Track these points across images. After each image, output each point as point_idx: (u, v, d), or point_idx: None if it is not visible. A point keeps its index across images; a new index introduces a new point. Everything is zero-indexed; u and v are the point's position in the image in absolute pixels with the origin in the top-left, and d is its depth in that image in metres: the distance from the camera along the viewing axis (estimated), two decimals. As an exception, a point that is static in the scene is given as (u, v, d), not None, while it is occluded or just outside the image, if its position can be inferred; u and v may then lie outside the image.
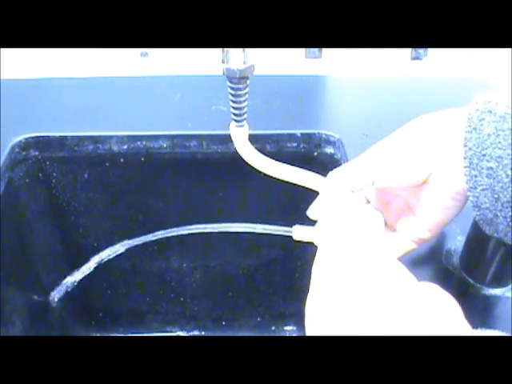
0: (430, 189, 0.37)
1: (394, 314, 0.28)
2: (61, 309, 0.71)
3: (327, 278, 0.32)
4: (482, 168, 0.33)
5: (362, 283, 0.30)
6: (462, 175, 0.35)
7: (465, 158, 0.34)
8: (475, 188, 0.33)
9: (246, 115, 0.44)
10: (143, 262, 0.71)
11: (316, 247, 0.38)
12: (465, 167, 0.34)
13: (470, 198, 0.34)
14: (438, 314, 0.27)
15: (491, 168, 0.32)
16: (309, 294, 0.32)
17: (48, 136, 0.59)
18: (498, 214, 0.33)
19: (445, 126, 0.36)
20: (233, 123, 0.45)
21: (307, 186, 0.44)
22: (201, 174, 0.63)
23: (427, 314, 0.27)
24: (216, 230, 0.42)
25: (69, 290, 0.50)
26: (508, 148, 0.32)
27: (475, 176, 0.33)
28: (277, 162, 0.46)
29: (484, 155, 0.33)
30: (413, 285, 0.30)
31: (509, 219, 0.33)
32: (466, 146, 0.34)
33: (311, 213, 0.40)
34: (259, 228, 0.41)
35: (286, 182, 0.46)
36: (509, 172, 0.32)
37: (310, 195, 0.42)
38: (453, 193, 0.36)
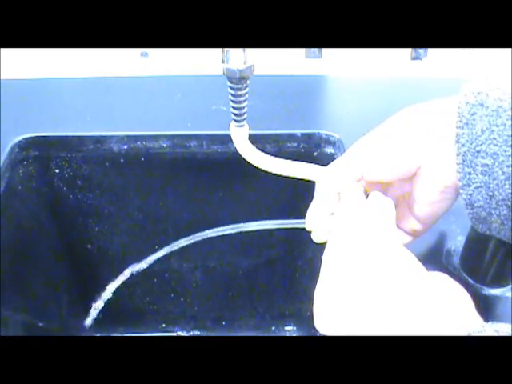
0: (419, 181, 0.36)
1: (407, 305, 0.27)
2: (60, 309, 0.71)
3: (338, 265, 0.31)
4: (477, 165, 0.31)
5: (373, 273, 0.29)
6: (451, 169, 0.33)
7: (458, 155, 0.32)
8: (469, 186, 0.32)
9: (246, 115, 0.44)
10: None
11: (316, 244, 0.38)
12: (458, 164, 0.32)
13: (463, 196, 0.33)
14: (452, 306, 0.27)
15: (486, 165, 0.31)
16: (318, 282, 0.32)
17: (48, 136, 0.59)
18: (492, 212, 0.32)
19: (433, 118, 0.34)
20: (233, 123, 0.45)
21: (312, 179, 0.43)
22: (201, 174, 0.63)
23: (441, 306, 0.27)
24: (234, 231, 0.42)
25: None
26: (504, 144, 0.30)
27: (469, 173, 0.32)
28: (279, 159, 0.46)
29: (478, 152, 0.31)
30: (424, 275, 0.29)
31: (503, 217, 0.32)
32: (458, 142, 0.32)
33: (308, 224, 0.38)
34: (289, 223, 0.40)
35: (286, 181, 0.46)
36: (505, 169, 0.30)
37: (310, 195, 0.42)
38: (441, 187, 0.34)
